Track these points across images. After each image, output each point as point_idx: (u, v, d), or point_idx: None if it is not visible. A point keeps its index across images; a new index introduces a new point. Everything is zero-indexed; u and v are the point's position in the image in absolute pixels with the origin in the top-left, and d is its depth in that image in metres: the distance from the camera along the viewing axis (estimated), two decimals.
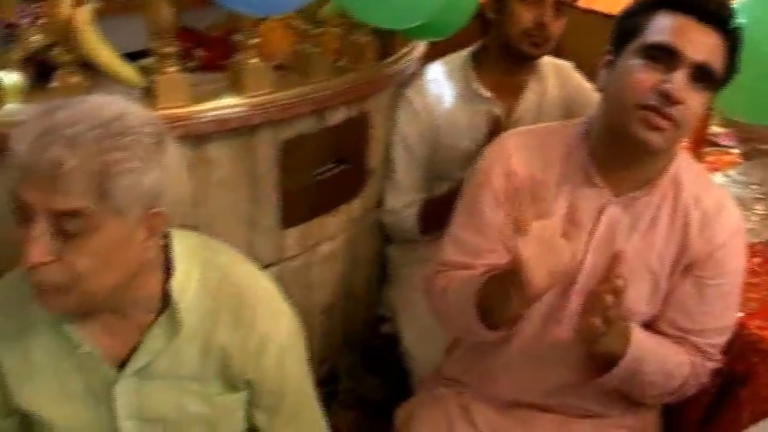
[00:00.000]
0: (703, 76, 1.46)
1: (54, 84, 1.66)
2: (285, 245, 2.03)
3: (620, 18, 1.57)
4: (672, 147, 1.55)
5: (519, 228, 1.37)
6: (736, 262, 1.62)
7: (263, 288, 1.45)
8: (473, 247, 1.67)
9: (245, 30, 1.79)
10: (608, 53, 1.57)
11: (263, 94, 1.81)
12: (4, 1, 1.87)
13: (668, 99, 1.43)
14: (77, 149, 1.11)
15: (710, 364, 1.64)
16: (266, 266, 1.93)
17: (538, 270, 1.36)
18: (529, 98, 2.31)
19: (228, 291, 1.38)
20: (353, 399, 2.32)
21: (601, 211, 1.60)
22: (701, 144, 2.32)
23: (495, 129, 2.04)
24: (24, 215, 1.15)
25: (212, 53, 2.10)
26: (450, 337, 1.92)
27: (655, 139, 1.46)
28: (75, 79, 1.64)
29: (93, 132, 1.13)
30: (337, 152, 2.08)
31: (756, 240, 2.04)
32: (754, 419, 1.53)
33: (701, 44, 1.45)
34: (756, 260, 1.96)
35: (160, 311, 1.34)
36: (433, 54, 2.49)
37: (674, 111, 1.44)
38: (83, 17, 1.58)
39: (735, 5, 1.56)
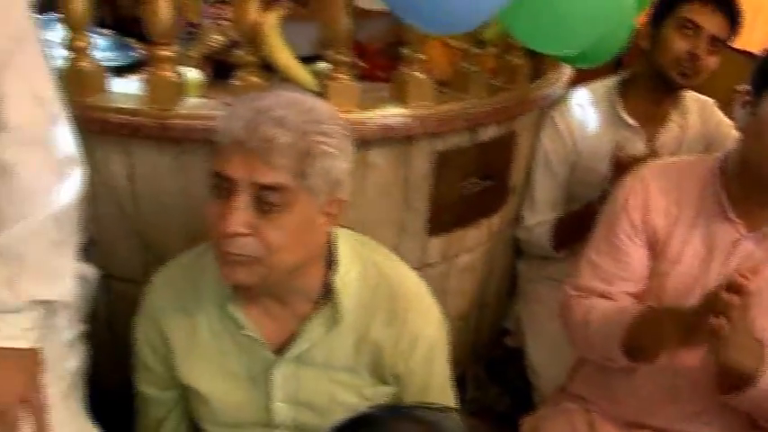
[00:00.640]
0: None
1: (234, 81, 1.79)
2: (428, 252, 2.12)
3: (764, 61, 1.59)
4: None
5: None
6: None
7: (415, 287, 1.53)
8: (609, 274, 1.72)
9: (412, 44, 1.89)
10: (747, 93, 1.59)
11: (423, 107, 1.90)
12: (191, 4, 2.04)
13: None
14: (286, 128, 1.24)
15: None
16: None
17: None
18: (671, 129, 2.34)
19: (384, 289, 1.47)
20: (478, 408, 2.39)
21: (735, 245, 1.62)
22: None
23: (622, 163, 2.08)
24: (225, 190, 1.27)
25: (372, 64, 2.20)
26: (576, 355, 1.96)
27: None
28: (254, 79, 1.77)
29: (299, 116, 1.26)
30: (484, 168, 2.15)
31: None
32: None
33: None
34: None
35: (318, 302, 1.44)
36: (578, 79, 2.54)
37: None
38: (270, 22, 1.72)
39: None
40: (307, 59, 1.96)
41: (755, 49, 1.59)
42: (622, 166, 2.04)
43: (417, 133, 1.91)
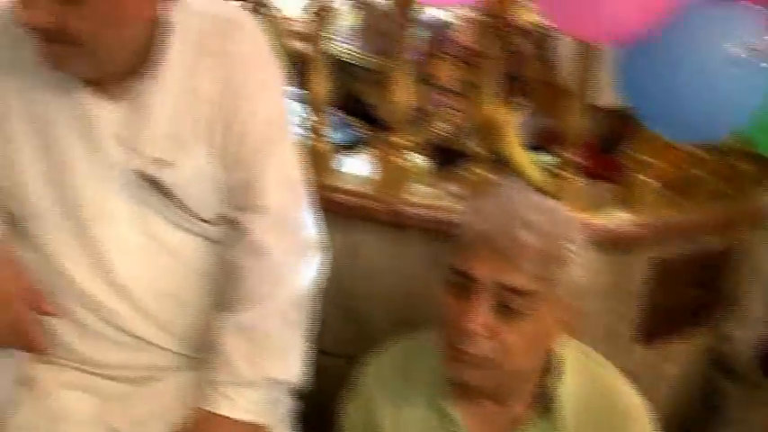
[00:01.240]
0: None
1: (463, 173, 1.80)
2: (632, 360, 2.02)
3: None
4: None
5: None
6: None
7: (636, 405, 1.45)
8: None
9: (641, 147, 1.84)
10: None
11: (647, 213, 1.84)
12: (421, 91, 2.07)
13: None
14: (537, 233, 1.22)
15: None
16: None
17: None
18: None
19: (607, 403, 1.40)
20: None
21: None
22: None
23: None
24: (465, 288, 1.25)
25: (592, 160, 2.16)
26: None
27: None
28: (483, 171, 1.77)
29: (549, 221, 1.25)
30: (701, 278, 2.05)
31: None
32: None
33: None
34: None
35: (533, 406, 1.38)
36: None
37: None
38: (509, 120, 1.72)
39: None
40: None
41: None
42: None
43: (638, 239, 1.84)
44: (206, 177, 1.27)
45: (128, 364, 1.33)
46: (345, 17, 2.40)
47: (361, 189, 1.77)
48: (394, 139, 1.76)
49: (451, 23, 2.10)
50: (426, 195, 1.80)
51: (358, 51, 2.37)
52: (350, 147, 2.15)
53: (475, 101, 1.76)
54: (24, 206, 1.25)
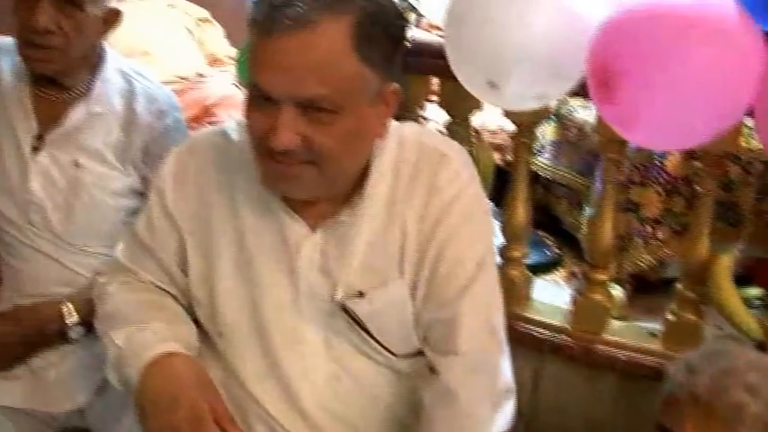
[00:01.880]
0: None
1: (667, 315, 1.69)
2: None
3: None
4: None
5: None
6: None
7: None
8: None
9: None
10: None
11: None
12: (624, 219, 1.98)
13: None
14: (758, 397, 1.12)
15: None
16: None
17: None
18: None
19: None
20: None
21: None
22: None
23: None
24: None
25: None
26: None
27: None
28: (690, 316, 1.65)
29: None
30: None
31: None
32: None
33: None
34: None
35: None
36: None
37: None
38: (723, 264, 1.61)
39: None
40: None
41: None
42: None
43: None
44: (400, 312, 1.25)
45: None
46: (544, 131, 2.37)
47: (554, 322, 1.70)
48: (599, 276, 1.70)
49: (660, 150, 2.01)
50: (623, 332, 1.72)
51: (556, 167, 2.32)
52: (544, 268, 2.10)
53: (684, 235, 1.66)
54: (217, 322, 1.29)
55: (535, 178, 2.39)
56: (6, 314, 1.51)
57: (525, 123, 1.71)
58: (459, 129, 1.81)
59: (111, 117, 1.54)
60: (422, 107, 2.25)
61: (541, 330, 1.68)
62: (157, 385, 1.16)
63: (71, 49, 1.46)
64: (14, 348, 1.48)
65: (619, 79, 1.26)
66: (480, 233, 1.26)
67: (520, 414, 1.34)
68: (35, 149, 1.51)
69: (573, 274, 2.14)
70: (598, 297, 1.68)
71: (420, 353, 1.26)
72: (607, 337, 1.68)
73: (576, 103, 2.18)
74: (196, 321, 1.30)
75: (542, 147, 2.36)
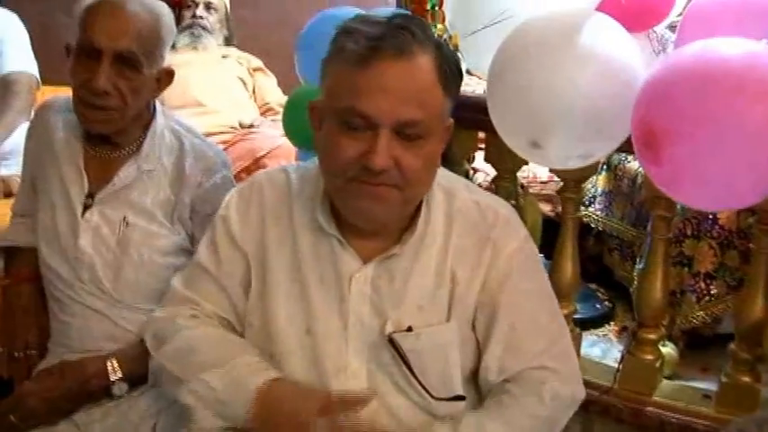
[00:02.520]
0: None
1: (721, 377, 1.63)
2: None
3: None
4: None
5: None
6: None
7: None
8: None
9: None
10: None
11: None
12: (676, 274, 1.93)
13: None
14: None
15: None
16: None
17: None
18: None
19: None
20: None
21: None
22: None
23: None
24: None
25: None
26: None
27: None
28: (745, 378, 1.60)
29: None
30: None
31: None
32: None
33: None
34: None
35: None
36: None
37: None
38: None
39: None
40: None
41: None
42: None
43: None
44: (444, 354, 1.27)
45: None
46: (596, 180, 2.34)
47: (602, 381, 1.66)
48: (649, 336, 1.65)
49: None
50: (674, 393, 1.66)
51: (608, 218, 2.28)
52: (594, 322, 2.06)
53: (739, 291, 1.61)
54: (270, 346, 1.30)
55: (588, 228, 2.37)
56: (52, 369, 1.53)
57: (572, 179, 1.69)
58: (505, 184, 1.80)
59: (161, 174, 1.57)
60: (470, 160, 2.25)
61: (589, 391, 1.63)
62: (276, 408, 1.21)
63: (127, 110, 1.49)
64: (58, 403, 1.48)
65: (663, 140, 1.24)
66: (544, 286, 1.33)
67: None
68: (86, 207, 1.55)
69: (625, 329, 2.10)
70: (648, 357, 1.64)
71: (457, 398, 1.28)
72: (657, 398, 1.63)
73: None
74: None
75: (594, 197, 2.33)
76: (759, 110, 1.20)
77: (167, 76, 1.57)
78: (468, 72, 2.38)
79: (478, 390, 1.33)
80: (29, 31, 2.81)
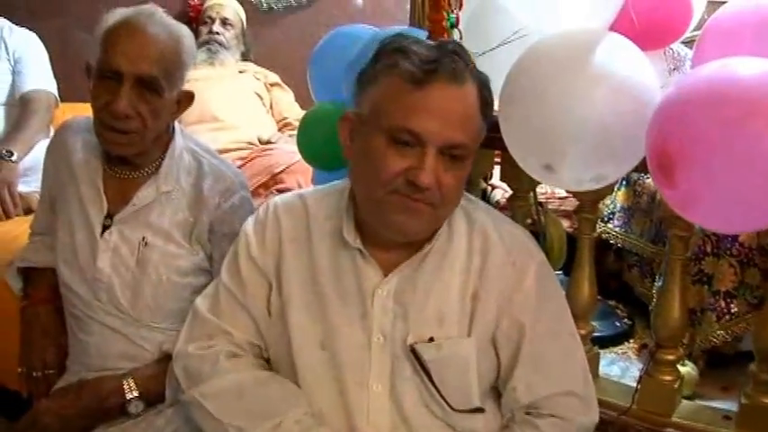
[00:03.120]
0: None
1: (741, 398, 1.61)
2: None
3: None
4: None
5: None
6: None
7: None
8: None
9: None
10: None
11: None
12: (695, 292, 1.91)
13: None
14: None
15: None
16: None
17: None
18: None
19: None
20: None
21: None
22: None
23: None
24: None
25: None
26: None
27: None
28: (764, 398, 1.57)
29: None
30: None
31: None
32: None
33: None
34: None
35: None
36: None
37: None
38: None
39: None
40: None
41: None
42: None
43: None
44: (464, 367, 1.29)
45: None
46: (615, 196, 2.32)
47: (620, 401, 1.64)
48: (667, 357, 1.63)
49: None
50: (694, 414, 1.64)
51: (627, 234, 2.27)
52: (613, 340, 2.04)
53: (760, 312, 1.59)
54: (291, 358, 1.32)
55: (608, 244, 2.35)
56: (68, 387, 1.54)
57: (588, 200, 1.67)
58: (521, 203, 1.79)
59: (179, 196, 1.58)
60: (487, 178, 2.25)
61: (608, 411, 1.62)
62: None
63: (147, 133, 1.51)
64: (74, 421, 1.49)
65: (678, 163, 1.23)
66: (563, 305, 1.38)
67: None
68: (105, 228, 1.56)
69: (644, 346, 2.08)
70: (667, 378, 1.61)
71: (476, 410, 1.30)
72: (677, 419, 1.60)
73: None
74: (267, 361, 1.38)
75: (612, 213, 2.32)
76: None
77: (187, 99, 1.59)
78: None
79: (495, 404, 1.36)
80: (48, 49, 2.85)
